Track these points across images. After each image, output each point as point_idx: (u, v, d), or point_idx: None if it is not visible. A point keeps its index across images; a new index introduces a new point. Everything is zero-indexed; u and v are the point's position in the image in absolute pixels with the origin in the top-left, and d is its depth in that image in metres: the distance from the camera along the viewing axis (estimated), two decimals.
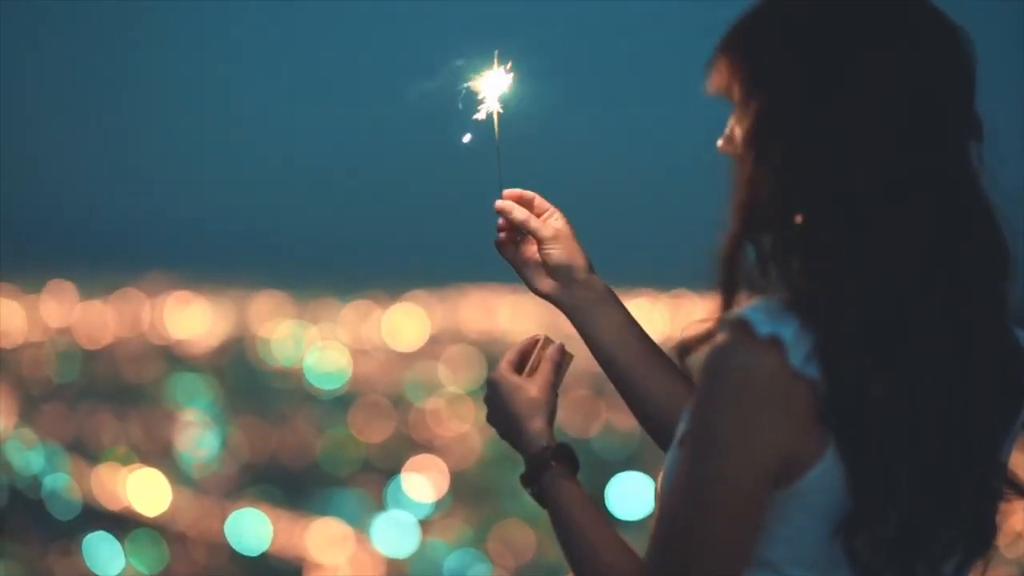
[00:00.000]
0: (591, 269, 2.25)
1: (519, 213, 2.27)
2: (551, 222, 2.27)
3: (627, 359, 2.23)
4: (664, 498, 1.74)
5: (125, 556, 31.34)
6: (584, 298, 2.24)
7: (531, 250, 2.29)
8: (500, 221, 2.29)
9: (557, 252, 2.25)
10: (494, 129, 2.28)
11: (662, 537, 1.72)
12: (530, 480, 2.05)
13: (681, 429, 1.75)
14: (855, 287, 1.68)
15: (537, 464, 2.05)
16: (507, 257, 2.30)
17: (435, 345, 38.79)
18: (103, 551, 31.16)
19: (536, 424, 2.08)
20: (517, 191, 2.29)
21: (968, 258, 1.72)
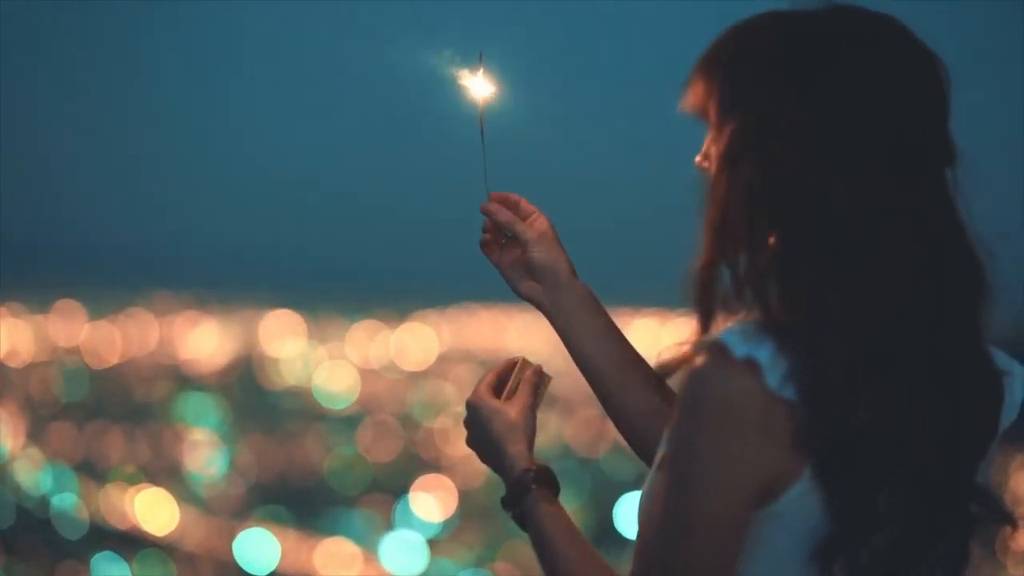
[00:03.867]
0: (574, 273, 2.26)
1: (504, 215, 2.28)
2: (536, 225, 2.27)
3: (606, 364, 2.22)
4: (645, 521, 1.74)
5: None
6: (566, 301, 2.24)
7: (515, 252, 2.29)
8: (485, 222, 2.30)
9: (540, 255, 2.25)
10: (480, 131, 2.28)
11: (644, 559, 1.71)
12: (511, 503, 2.05)
13: (660, 452, 1.75)
14: (830, 310, 1.67)
15: (518, 487, 2.04)
16: (491, 258, 2.31)
17: (443, 364, 38.86)
18: (111, 571, 31.17)
19: (516, 447, 2.07)
20: (503, 193, 2.30)
21: (945, 280, 1.72)
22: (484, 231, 2.31)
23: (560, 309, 2.24)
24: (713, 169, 1.75)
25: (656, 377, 1.82)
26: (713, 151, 1.76)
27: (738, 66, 1.74)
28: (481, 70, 2.28)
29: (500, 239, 2.30)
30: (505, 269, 2.30)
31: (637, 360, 2.22)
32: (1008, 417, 1.82)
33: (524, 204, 2.29)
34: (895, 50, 1.73)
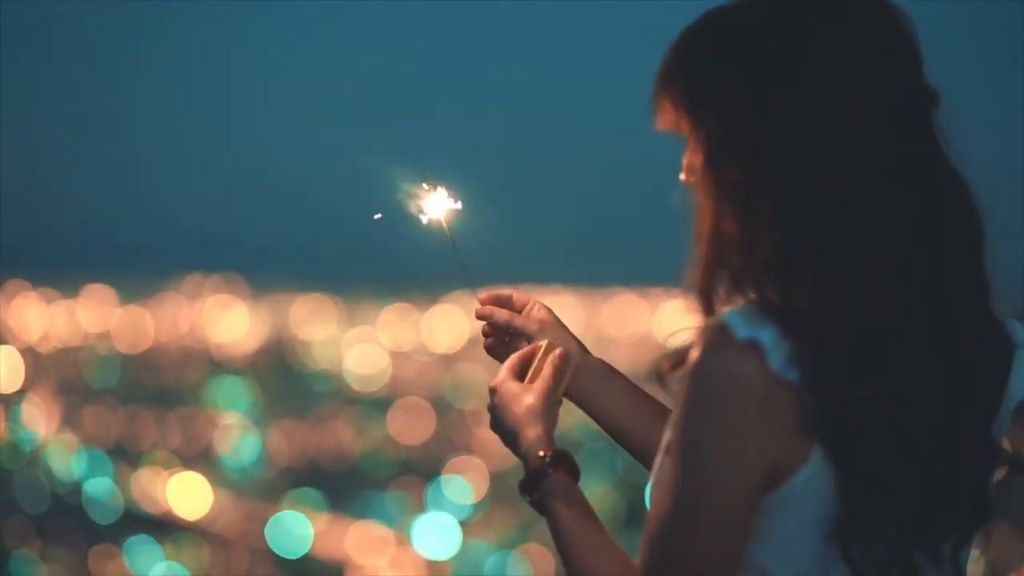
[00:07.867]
0: (585, 350, 2.25)
1: (500, 315, 2.27)
2: (534, 314, 2.27)
3: (635, 427, 2.22)
4: (653, 505, 1.73)
5: (166, 559, 31.55)
6: (584, 379, 2.23)
7: (522, 346, 2.26)
8: (484, 326, 2.28)
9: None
10: (452, 244, 2.29)
11: (653, 544, 1.70)
12: (528, 488, 2.03)
13: (667, 436, 1.73)
14: (830, 292, 1.65)
15: (535, 472, 2.02)
16: (500, 358, 2.27)
17: (474, 347, 38.71)
18: (144, 554, 31.38)
19: (534, 431, 2.06)
20: (493, 293, 2.30)
21: (947, 249, 1.70)
22: (485, 335, 2.29)
23: (580, 389, 2.23)
24: (698, 180, 1.73)
25: None
26: (695, 162, 1.74)
27: (700, 69, 1.73)
28: (438, 189, 2.29)
29: (503, 337, 2.28)
30: None
31: (663, 410, 2.20)
32: (1019, 389, 1.79)
33: (517, 296, 2.29)
34: (855, 17, 1.70)
